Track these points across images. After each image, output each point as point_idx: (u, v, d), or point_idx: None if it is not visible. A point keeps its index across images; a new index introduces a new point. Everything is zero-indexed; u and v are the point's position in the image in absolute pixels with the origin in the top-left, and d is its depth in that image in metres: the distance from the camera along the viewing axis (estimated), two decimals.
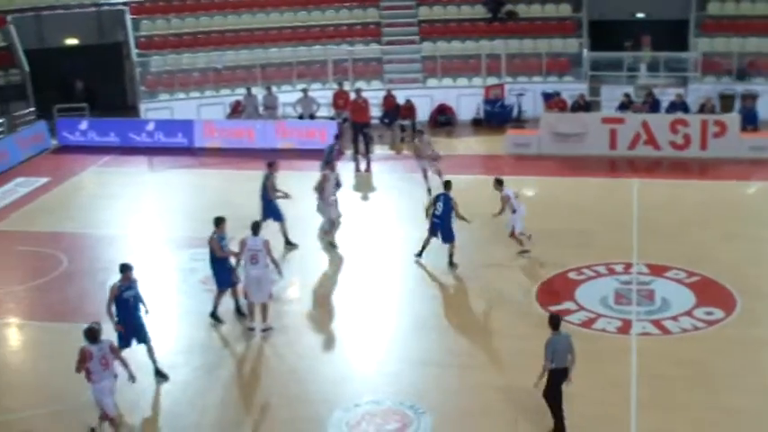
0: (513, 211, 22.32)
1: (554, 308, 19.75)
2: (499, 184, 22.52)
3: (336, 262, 22.59)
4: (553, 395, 15.11)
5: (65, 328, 19.71)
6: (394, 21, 38.28)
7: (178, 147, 32.95)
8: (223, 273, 19.42)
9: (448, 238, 21.92)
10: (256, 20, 38.43)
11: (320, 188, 23.53)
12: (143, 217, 26.11)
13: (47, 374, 17.89)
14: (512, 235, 22.47)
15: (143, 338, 17.32)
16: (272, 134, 32.56)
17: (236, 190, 27.36)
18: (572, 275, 21.41)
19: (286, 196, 23.26)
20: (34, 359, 18.67)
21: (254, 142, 32.36)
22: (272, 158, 24.21)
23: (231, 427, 16.19)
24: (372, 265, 22.59)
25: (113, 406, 15.35)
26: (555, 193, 27.53)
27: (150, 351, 17.40)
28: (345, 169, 29.92)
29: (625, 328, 18.96)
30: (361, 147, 30.92)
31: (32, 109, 34.68)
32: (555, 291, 20.73)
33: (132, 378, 15.69)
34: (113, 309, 17.12)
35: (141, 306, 17.37)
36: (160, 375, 17.49)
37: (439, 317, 19.87)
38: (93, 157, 31.96)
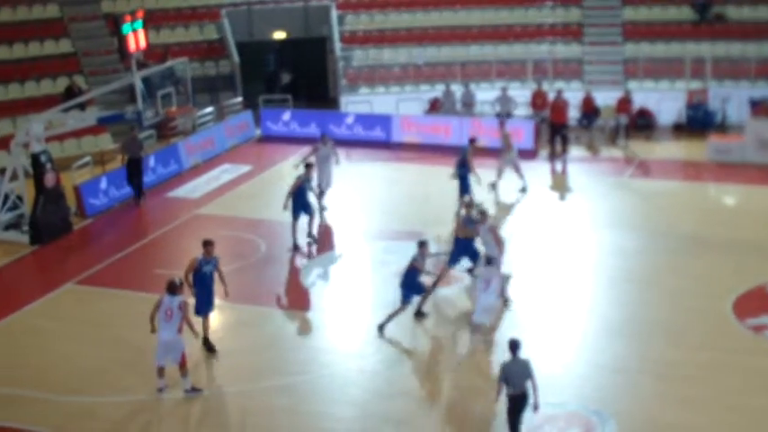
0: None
1: (751, 321, 19.26)
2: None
3: (528, 262, 22.57)
4: (510, 420, 15.02)
5: (260, 312, 20.54)
6: (597, 21, 37.77)
7: (376, 140, 33.56)
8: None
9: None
10: (458, 17, 38.66)
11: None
12: (338, 208, 26.76)
13: (238, 353, 18.82)
14: None
15: (211, 308, 18.81)
16: (468, 131, 32.72)
17: (431, 185, 27.72)
18: None
19: None
20: (232, 338, 19.51)
21: (451, 138, 32.61)
22: None
23: (416, 417, 16.52)
24: (564, 267, 22.46)
25: (162, 357, 16.92)
26: (757, 203, 26.58)
27: (207, 320, 18.78)
28: (541, 170, 29.88)
29: None
30: (558, 147, 30.80)
31: (240, 99, 36.06)
32: (753, 303, 20.09)
33: (198, 335, 17.81)
34: (190, 278, 18.46)
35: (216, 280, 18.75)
36: (208, 347, 18.70)
37: (630, 323, 19.57)
38: (294, 147, 32.90)
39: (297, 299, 21.50)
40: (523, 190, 27.47)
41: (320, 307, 21.01)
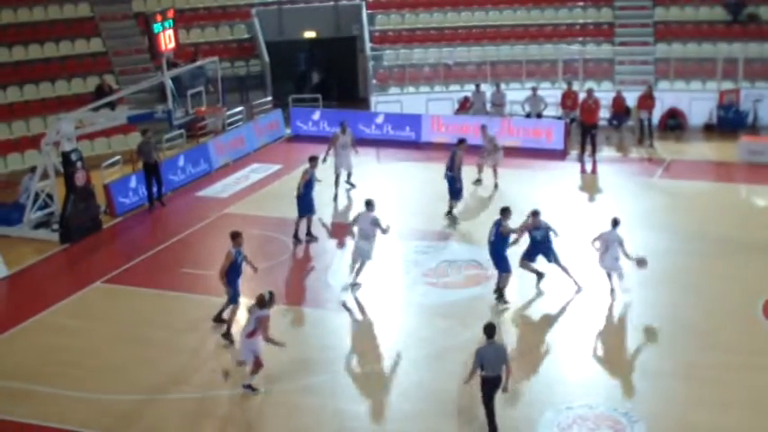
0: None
1: None
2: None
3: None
4: (485, 401, 15.46)
5: (287, 311, 20.56)
6: (628, 21, 37.57)
7: (405, 140, 33.53)
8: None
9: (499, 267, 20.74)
10: (489, 17, 38.59)
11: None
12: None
13: (265, 352, 18.66)
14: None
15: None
16: (498, 131, 32.58)
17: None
18: None
19: None
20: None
21: (480, 139, 32.46)
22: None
23: (449, 417, 16.47)
24: (593, 268, 22.30)
25: (241, 354, 17.35)
26: None
27: (235, 313, 19.42)
28: (571, 170, 29.75)
29: None
30: (588, 148, 30.62)
31: (270, 98, 36.14)
32: None
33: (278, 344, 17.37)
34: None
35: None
36: (227, 337, 19.22)
37: (660, 324, 19.42)
38: (324, 146, 32.85)
39: (325, 298, 21.48)
40: (478, 181, 28.26)
41: (349, 306, 20.98)
